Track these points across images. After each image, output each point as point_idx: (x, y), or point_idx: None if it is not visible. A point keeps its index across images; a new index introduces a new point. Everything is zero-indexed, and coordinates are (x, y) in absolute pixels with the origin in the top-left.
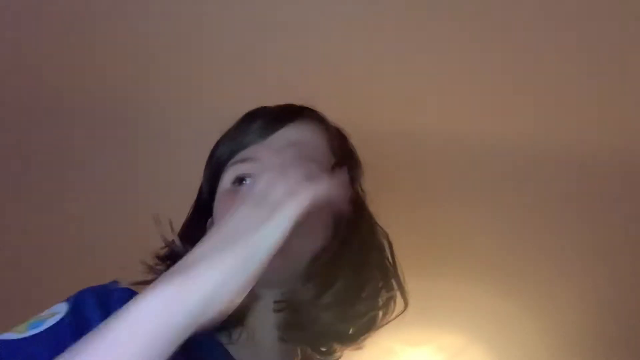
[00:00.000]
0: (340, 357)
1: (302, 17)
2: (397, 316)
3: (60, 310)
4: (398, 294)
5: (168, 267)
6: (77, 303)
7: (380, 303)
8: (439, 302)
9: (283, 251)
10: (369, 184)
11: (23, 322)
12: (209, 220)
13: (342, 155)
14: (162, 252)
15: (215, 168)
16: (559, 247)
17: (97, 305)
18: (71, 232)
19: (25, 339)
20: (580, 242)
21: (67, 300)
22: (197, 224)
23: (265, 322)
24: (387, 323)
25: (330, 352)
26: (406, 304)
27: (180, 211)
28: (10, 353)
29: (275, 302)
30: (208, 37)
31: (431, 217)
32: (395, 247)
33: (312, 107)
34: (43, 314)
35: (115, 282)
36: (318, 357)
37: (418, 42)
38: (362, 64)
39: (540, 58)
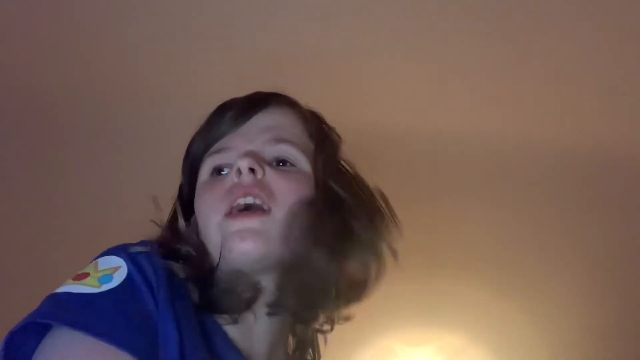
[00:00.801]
0: (329, 330)
1: (296, 13)
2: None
3: (120, 263)
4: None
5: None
6: (135, 262)
7: (362, 260)
8: (439, 302)
9: (267, 237)
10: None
11: (90, 274)
12: (193, 217)
13: (319, 136)
14: (158, 239)
15: (192, 163)
16: (560, 247)
17: (152, 268)
18: (65, 226)
19: (100, 294)
20: (581, 242)
21: (116, 254)
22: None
23: (261, 305)
24: (377, 281)
25: (314, 318)
26: (396, 258)
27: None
28: (85, 306)
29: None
30: (194, 31)
31: (431, 217)
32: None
33: (282, 92)
34: (105, 265)
35: (143, 242)
36: (307, 331)
37: (412, 39)
38: (357, 61)
39: (538, 57)
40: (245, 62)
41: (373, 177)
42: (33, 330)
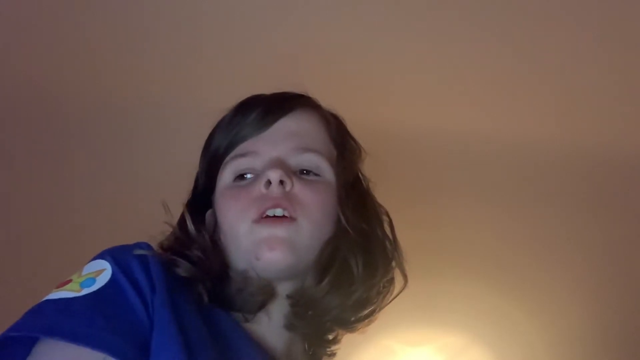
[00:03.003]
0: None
1: (300, 11)
2: (398, 294)
3: (105, 266)
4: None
5: (173, 254)
6: (121, 263)
7: (382, 287)
8: (439, 302)
9: (294, 248)
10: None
11: (72, 280)
12: (209, 211)
13: (341, 142)
14: (166, 241)
15: (212, 160)
16: (560, 246)
17: (142, 267)
18: (70, 227)
19: (78, 297)
20: (581, 242)
21: (103, 257)
22: (195, 214)
23: (277, 311)
24: (389, 303)
25: (335, 341)
26: (406, 282)
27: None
28: (61, 310)
29: (287, 296)
30: (204, 31)
31: (432, 216)
32: None
33: (307, 95)
34: (89, 269)
35: (140, 243)
36: (323, 345)
37: (419, 38)
38: (363, 60)
39: (539, 57)
40: (257, 62)
41: (374, 176)
42: (21, 342)
